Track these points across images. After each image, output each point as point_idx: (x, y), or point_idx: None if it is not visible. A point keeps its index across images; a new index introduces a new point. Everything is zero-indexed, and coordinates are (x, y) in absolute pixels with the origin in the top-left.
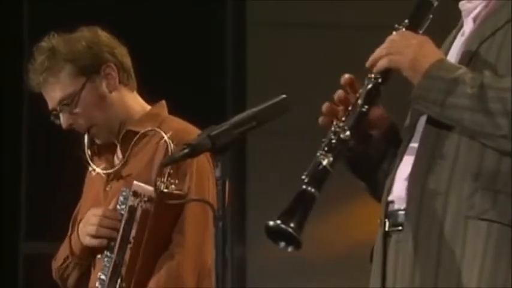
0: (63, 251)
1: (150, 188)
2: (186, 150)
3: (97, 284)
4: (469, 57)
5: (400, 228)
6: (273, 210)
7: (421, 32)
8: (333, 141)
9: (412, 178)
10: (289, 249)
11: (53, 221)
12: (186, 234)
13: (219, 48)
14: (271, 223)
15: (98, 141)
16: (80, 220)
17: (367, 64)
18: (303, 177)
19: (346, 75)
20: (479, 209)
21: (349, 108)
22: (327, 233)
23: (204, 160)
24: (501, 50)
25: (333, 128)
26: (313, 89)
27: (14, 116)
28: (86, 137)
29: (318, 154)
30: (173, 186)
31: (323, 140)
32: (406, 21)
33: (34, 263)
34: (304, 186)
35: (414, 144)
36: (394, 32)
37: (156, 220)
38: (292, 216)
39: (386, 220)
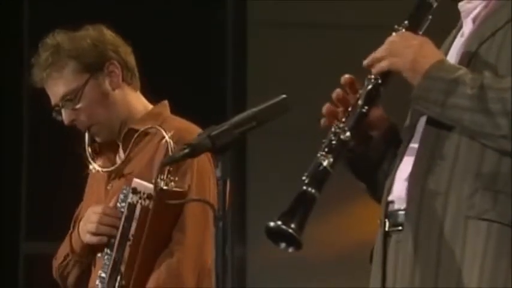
0: (63, 249)
1: (150, 185)
2: (186, 150)
3: (97, 282)
4: (469, 58)
5: (400, 228)
6: (273, 210)
7: (420, 32)
8: (333, 142)
9: (412, 178)
10: (290, 250)
11: (54, 221)
12: (186, 232)
13: (219, 48)
14: (271, 224)
15: (98, 140)
16: (81, 219)
17: (365, 62)
18: (304, 178)
19: (347, 76)
20: (479, 209)
21: (349, 109)
22: (327, 233)
23: (204, 160)
24: (501, 51)
25: (333, 129)
26: (313, 89)
27: (15, 115)
28: (86, 135)
29: (318, 155)
30: (173, 183)
31: (323, 140)
32: (406, 22)
33: (34, 263)
34: (304, 187)
35: (414, 145)
36: (393, 33)
37: (156, 218)
38: (293, 217)
39: (387, 220)
